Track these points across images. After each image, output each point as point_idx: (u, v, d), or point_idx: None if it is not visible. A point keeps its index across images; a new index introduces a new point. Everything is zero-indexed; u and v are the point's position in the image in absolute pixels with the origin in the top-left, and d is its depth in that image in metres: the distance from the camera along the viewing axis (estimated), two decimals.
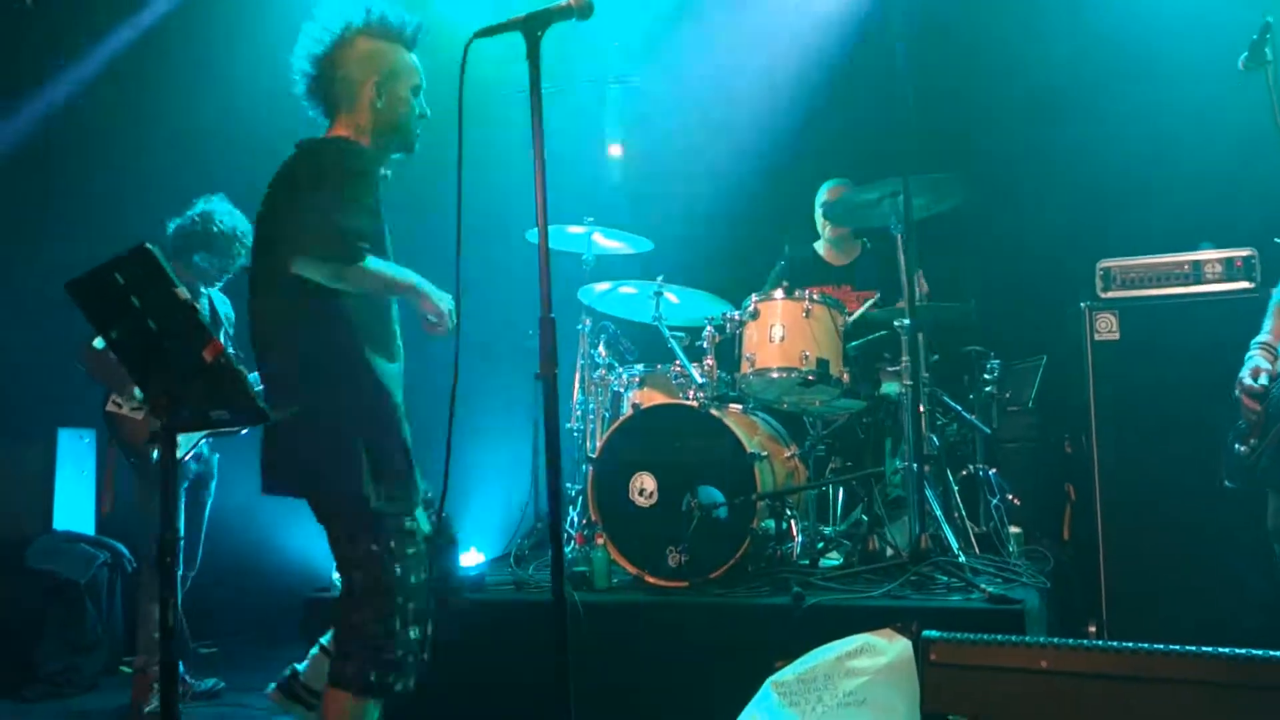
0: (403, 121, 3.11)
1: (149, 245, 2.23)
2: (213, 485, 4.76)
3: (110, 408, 4.18)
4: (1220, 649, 2.61)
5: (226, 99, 6.02)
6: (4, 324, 5.50)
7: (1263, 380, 3.55)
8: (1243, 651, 2.60)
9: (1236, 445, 3.67)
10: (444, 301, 3.05)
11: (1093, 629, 4.36)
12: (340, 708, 2.89)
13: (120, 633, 5.38)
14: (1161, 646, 2.68)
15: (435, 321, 3.06)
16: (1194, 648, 2.64)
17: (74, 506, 5.67)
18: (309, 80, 3.09)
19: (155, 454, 4.12)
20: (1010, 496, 4.94)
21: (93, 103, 6.27)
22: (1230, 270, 4.35)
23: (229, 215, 4.58)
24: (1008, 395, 5.25)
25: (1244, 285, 4.32)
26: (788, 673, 3.22)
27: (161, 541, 2.37)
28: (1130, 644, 2.73)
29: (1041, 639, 2.91)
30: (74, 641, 5.06)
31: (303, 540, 6.28)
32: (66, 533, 5.44)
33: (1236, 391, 3.60)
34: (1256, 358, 3.62)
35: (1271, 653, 2.59)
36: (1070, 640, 2.83)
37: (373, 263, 2.88)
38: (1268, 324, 3.72)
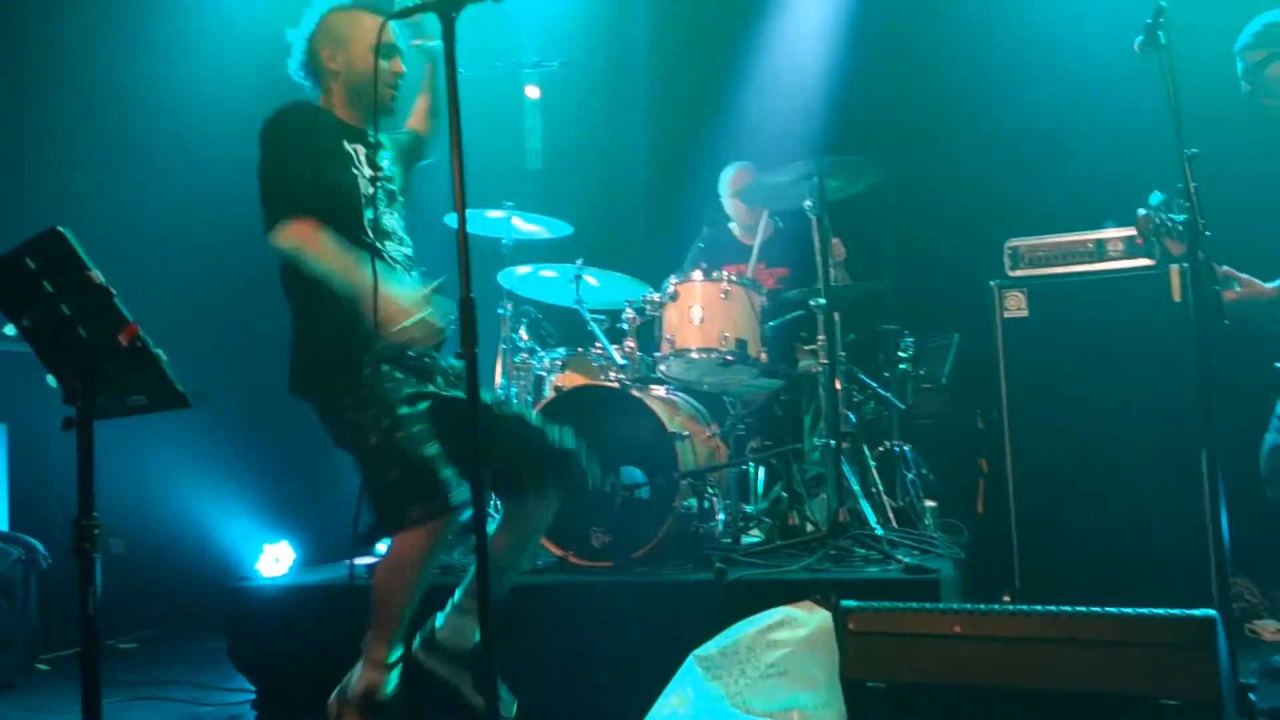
0: (363, 82, 3.18)
1: (61, 229, 2.20)
2: None
3: None
4: (1126, 609, 2.70)
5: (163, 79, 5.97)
6: None
7: None
8: (1149, 611, 2.69)
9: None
10: (410, 309, 3.00)
11: (1007, 599, 4.47)
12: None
13: (36, 630, 5.26)
14: (1069, 608, 2.76)
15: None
16: (1100, 608, 2.73)
17: None
18: (300, 63, 3.36)
19: None
20: (925, 471, 5.06)
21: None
22: (1131, 248, 4.47)
23: None
24: (922, 372, 5.36)
25: (1145, 262, 4.45)
26: (710, 646, 3.27)
27: (79, 528, 2.34)
28: (1039, 607, 2.82)
29: (954, 605, 3.01)
30: None
31: (227, 532, 6.22)
32: None
33: None
34: None
35: (1178, 610, 2.68)
36: (982, 606, 2.93)
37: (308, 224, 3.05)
38: None
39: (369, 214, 3.22)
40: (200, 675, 4.88)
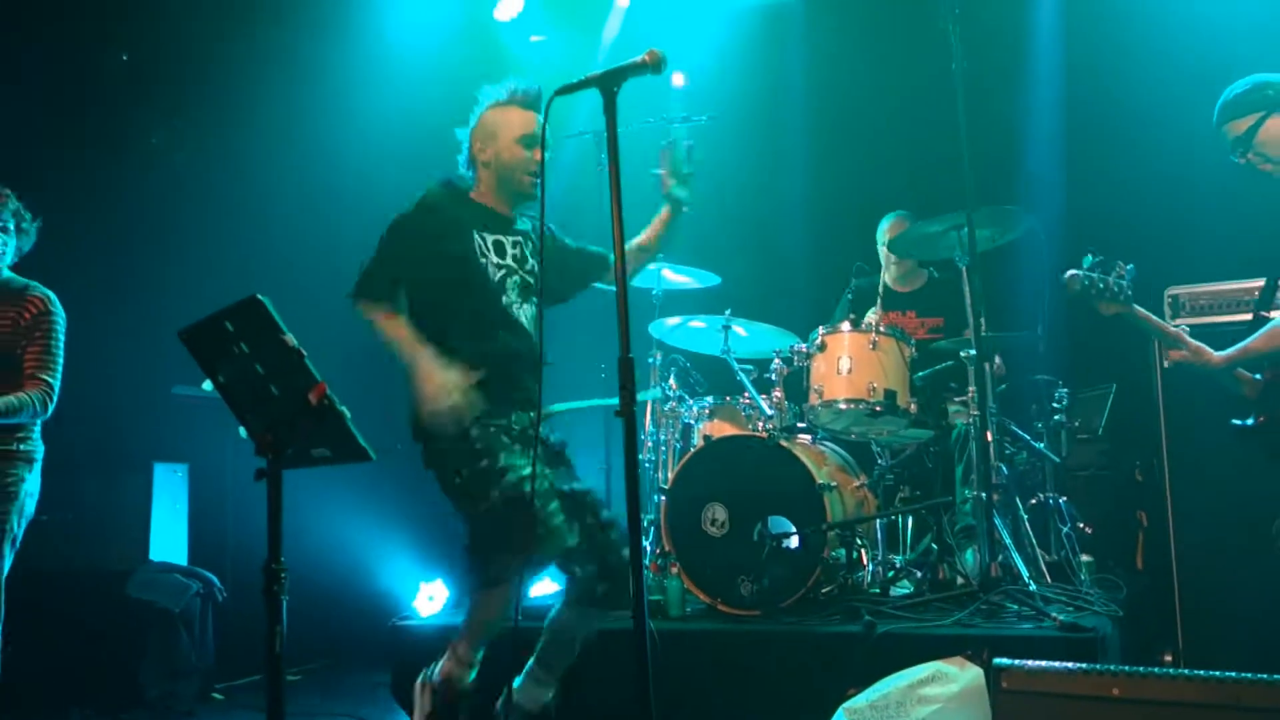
0: (508, 172, 3.56)
1: (259, 296, 2.39)
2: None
3: None
4: None
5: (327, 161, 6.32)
6: (102, 363, 5.75)
7: None
8: None
9: None
10: (442, 393, 3.28)
11: (1168, 658, 4.34)
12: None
13: (213, 660, 5.57)
14: (1235, 674, 2.69)
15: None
16: (1266, 675, 2.65)
17: (168, 537, 5.89)
18: (463, 158, 3.65)
19: None
20: (1081, 524, 4.95)
21: (187, 155, 6.55)
22: None
23: None
24: (1077, 424, 5.26)
25: None
26: (860, 700, 3.28)
27: (267, 572, 2.51)
28: (1203, 671, 2.75)
29: (1113, 666, 2.95)
30: (171, 668, 5.26)
31: (387, 571, 6.46)
32: (162, 563, 5.65)
33: None
34: None
35: None
36: (1142, 668, 2.87)
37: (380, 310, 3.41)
38: None
39: (497, 299, 3.50)
40: (362, 709, 5.09)
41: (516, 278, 3.55)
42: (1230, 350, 3.70)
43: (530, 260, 3.60)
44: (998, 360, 4.89)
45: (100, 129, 6.34)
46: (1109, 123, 5.77)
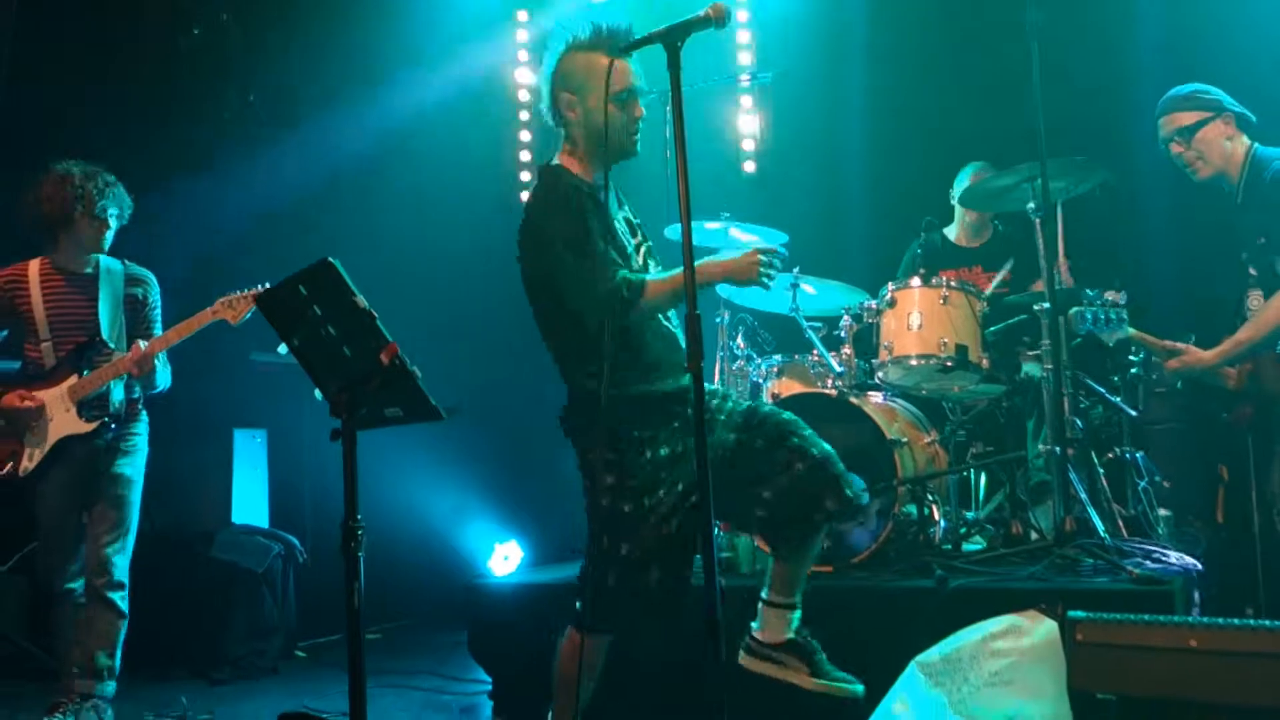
0: (602, 130, 3.03)
1: (331, 259, 2.44)
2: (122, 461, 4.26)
3: None
4: None
5: None
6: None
7: None
8: None
9: None
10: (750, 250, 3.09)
11: (1250, 612, 4.27)
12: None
13: (295, 620, 5.73)
14: None
15: (759, 266, 3.06)
16: None
17: (249, 501, 6.06)
18: (549, 110, 3.19)
19: None
20: (1159, 479, 4.87)
21: (261, 126, 6.69)
22: None
23: None
24: (1154, 377, 5.15)
25: None
26: (933, 653, 3.28)
27: (345, 529, 2.58)
28: None
29: (1190, 618, 2.92)
30: (255, 627, 5.42)
31: (463, 532, 6.57)
32: (244, 526, 5.82)
33: None
34: None
35: None
36: (1220, 619, 2.83)
37: (635, 285, 2.99)
38: None
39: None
40: (442, 666, 5.20)
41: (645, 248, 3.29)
42: (1219, 346, 4.16)
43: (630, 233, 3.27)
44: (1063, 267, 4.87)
45: (176, 101, 6.47)
46: (1185, 73, 5.60)
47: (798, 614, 3.28)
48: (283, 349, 2.82)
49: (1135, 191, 5.34)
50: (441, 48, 6.66)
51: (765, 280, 3.08)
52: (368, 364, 2.52)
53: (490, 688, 4.45)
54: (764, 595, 3.33)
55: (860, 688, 3.21)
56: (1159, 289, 5.48)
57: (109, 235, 4.29)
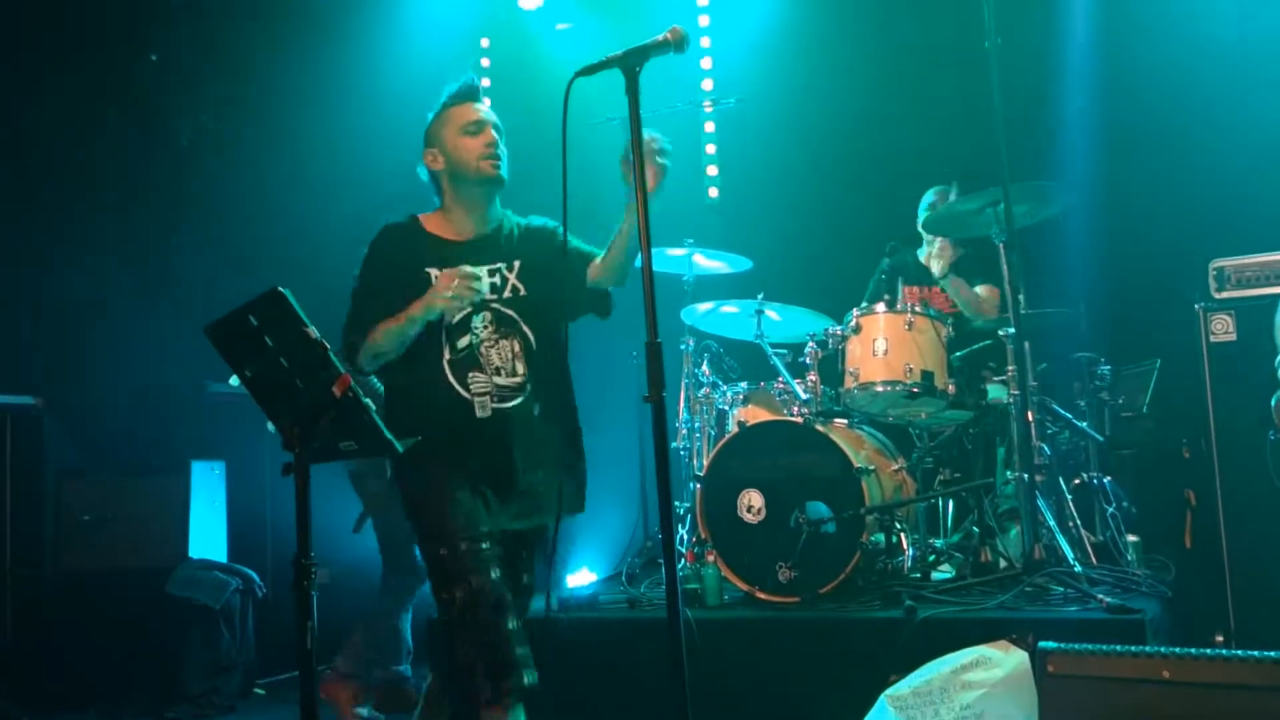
0: (462, 163, 3.28)
1: (281, 289, 2.37)
2: None
3: None
4: None
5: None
6: (137, 362, 5.78)
7: None
8: None
9: None
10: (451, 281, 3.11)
11: (1220, 639, 4.25)
12: None
13: (254, 656, 5.60)
14: None
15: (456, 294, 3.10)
16: None
17: (207, 534, 5.92)
18: (426, 181, 3.41)
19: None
20: (1127, 504, 4.85)
21: (217, 154, 6.58)
22: None
23: None
24: (1120, 401, 5.16)
25: None
26: (903, 686, 3.22)
27: (298, 567, 2.50)
28: (1256, 652, 2.68)
29: (1163, 649, 2.88)
30: (213, 664, 5.29)
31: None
32: (201, 560, 5.68)
33: None
34: None
35: None
36: (1193, 650, 2.79)
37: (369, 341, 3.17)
38: None
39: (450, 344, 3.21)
40: None
41: (486, 314, 3.25)
42: None
43: (503, 291, 3.29)
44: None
45: (130, 130, 6.36)
46: (1148, 96, 5.65)
47: None
48: (234, 380, 2.74)
49: (1093, 210, 5.36)
50: (405, 74, 6.61)
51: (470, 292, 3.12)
52: (321, 396, 2.44)
53: None
54: None
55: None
56: (1115, 307, 5.50)
57: None
